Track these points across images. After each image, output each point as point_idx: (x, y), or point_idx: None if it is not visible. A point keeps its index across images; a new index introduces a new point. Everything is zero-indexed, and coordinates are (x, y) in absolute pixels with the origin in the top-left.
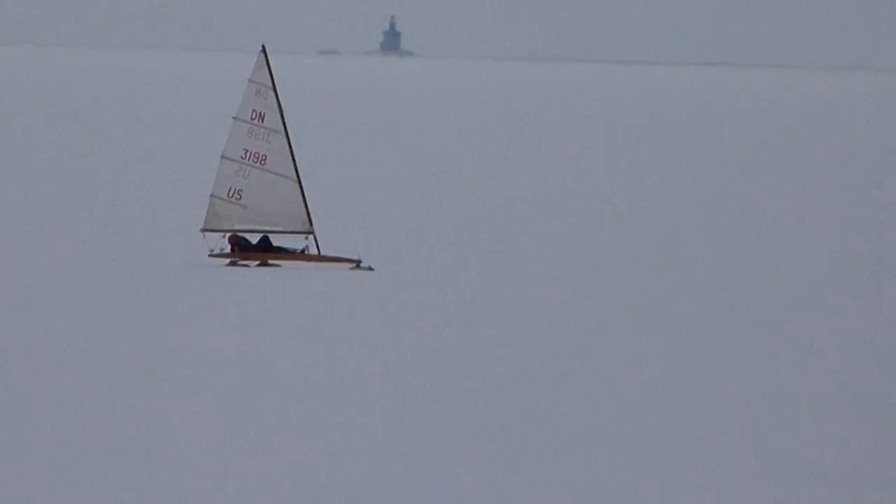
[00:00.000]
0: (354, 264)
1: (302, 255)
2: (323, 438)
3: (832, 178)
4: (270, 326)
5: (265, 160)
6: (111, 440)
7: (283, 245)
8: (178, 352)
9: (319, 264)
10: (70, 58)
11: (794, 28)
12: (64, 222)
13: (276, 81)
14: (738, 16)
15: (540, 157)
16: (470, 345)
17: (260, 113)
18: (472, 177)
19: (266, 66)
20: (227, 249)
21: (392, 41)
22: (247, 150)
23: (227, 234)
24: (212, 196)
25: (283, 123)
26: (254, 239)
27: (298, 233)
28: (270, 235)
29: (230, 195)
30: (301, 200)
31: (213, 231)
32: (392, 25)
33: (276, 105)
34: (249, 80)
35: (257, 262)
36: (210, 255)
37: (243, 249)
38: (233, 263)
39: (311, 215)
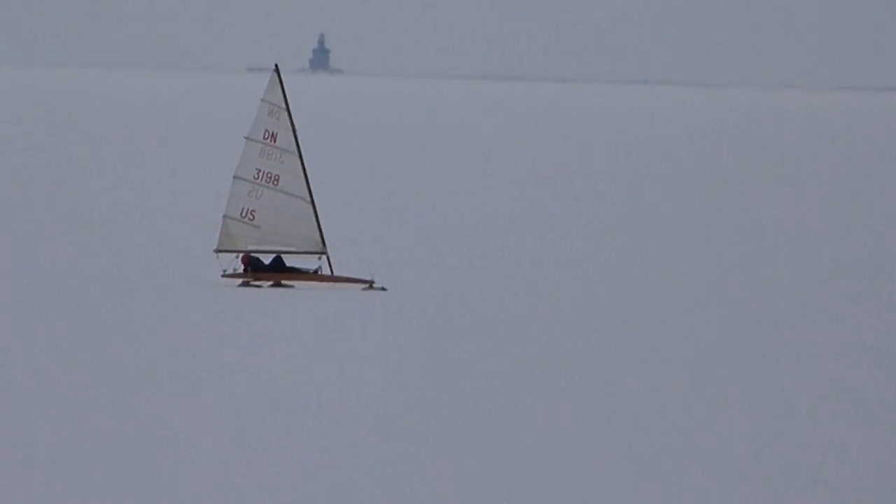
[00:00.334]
0: (367, 285)
1: (315, 275)
2: (333, 458)
3: (814, 191)
4: (282, 346)
5: (278, 180)
6: (120, 458)
7: (296, 265)
8: (190, 370)
9: (332, 285)
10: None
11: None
12: (77, 243)
13: (196, 99)
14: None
15: (520, 173)
16: (482, 365)
17: (272, 133)
18: (461, 193)
19: (279, 86)
20: (240, 269)
21: (321, 59)
22: (259, 170)
23: (240, 255)
24: (225, 216)
25: (297, 143)
26: (266, 259)
27: (312, 253)
28: (283, 256)
29: (243, 215)
30: (314, 221)
31: (226, 252)
32: (321, 43)
33: (289, 125)
34: (262, 100)
35: (270, 283)
36: (223, 276)
37: (256, 269)
38: (245, 284)
39: (324, 235)
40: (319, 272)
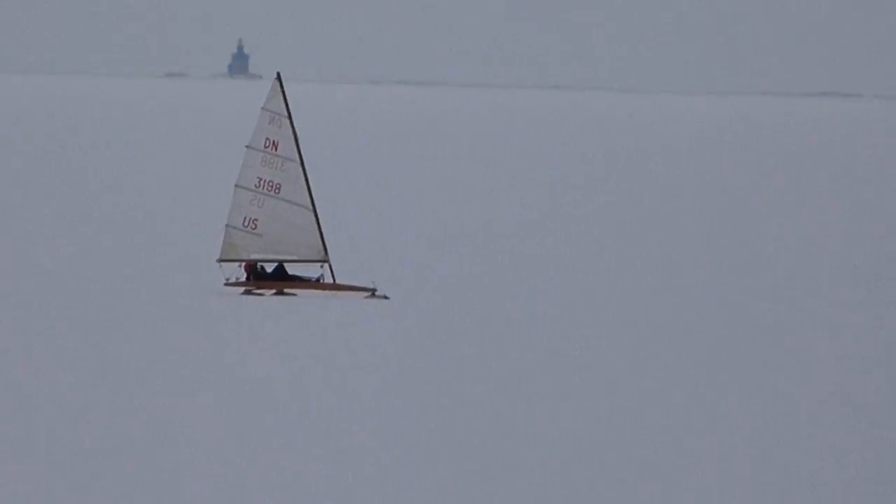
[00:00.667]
0: (370, 293)
1: (317, 283)
2: (335, 465)
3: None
4: (285, 354)
5: (279, 189)
6: (120, 465)
7: (298, 273)
8: (192, 378)
9: (335, 293)
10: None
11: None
12: (80, 252)
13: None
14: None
15: (511, 179)
16: (483, 372)
17: (274, 141)
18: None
19: (281, 94)
20: (243, 277)
21: (240, 64)
22: (261, 179)
23: (243, 263)
24: (227, 226)
25: (299, 151)
26: (269, 268)
27: (314, 261)
28: (286, 264)
29: (245, 224)
30: (316, 229)
31: (229, 261)
32: (240, 48)
33: (290, 133)
34: (263, 109)
35: (273, 291)
36: (226, 284)
37: (259, 278)
38: (248, 292)
39: (327, 243)
40: (322, 280)
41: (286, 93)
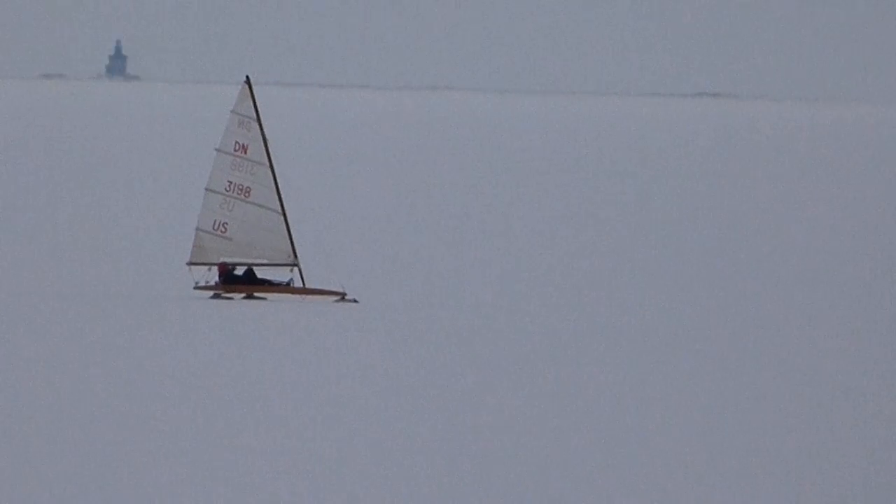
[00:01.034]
0: (339, 297)
1: (287, 287)
2: (306, 467)
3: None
4: (254, 358)
5: (249, 192)
6: (84, 471)
7: (268, 277)
8: (162, 382)
9: (304, 297)
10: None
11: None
12: (49, 255)
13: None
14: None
15: (480, 181)
16: (455, 374)
17: (243, 145)
18: (427, 203)
19: (250, 98)
20: (214, 280)
21: (118, 65)
22: (231, 183)
23: (219, 262)
24: (197, 229)
25: (268, 155)
26: (238, 271)
27: (284, 265)
28: (255, 268)
29: (215, 228)
30: (286, 232)
31: (198, 264)
32: (118, 49)
33: (260, 136)
34: (232, 112)
35: (243, 295)
36: (195, 288)
37: (229, 280)
38: (217, 296)
39: (296, 247)
40: (291, 284)
41: (255, 97)
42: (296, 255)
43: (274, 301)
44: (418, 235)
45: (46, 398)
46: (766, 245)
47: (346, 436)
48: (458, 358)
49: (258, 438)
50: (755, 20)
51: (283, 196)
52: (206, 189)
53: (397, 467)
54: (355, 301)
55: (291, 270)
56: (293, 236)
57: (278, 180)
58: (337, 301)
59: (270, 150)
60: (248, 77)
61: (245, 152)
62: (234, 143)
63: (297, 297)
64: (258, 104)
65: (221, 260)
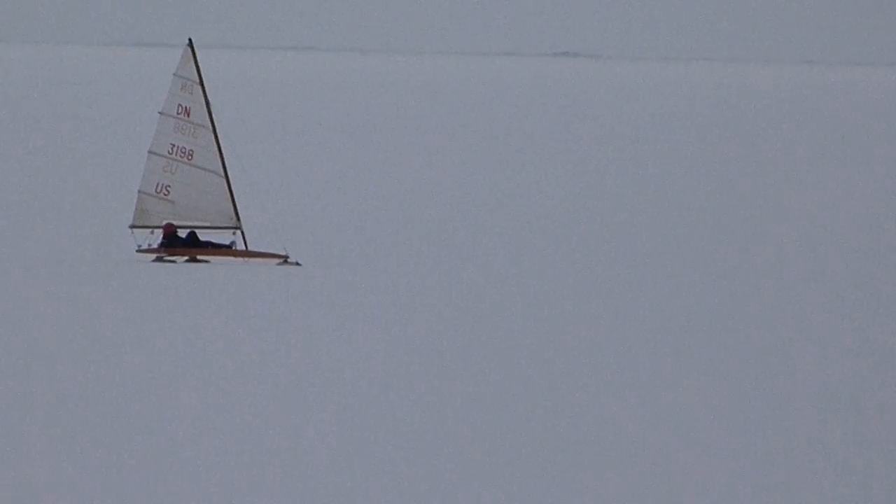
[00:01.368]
0: (282, 259)
1: (230, 250)
2: (245, 432)
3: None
4: (197, 320)
5: (192, 155)
6: (26, 434)
7: (211, 240)
8: (103, 346)
9: (247, 259)
10: None
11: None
12: None
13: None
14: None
15: (431, 146)
16: (395, 335)
17: (186, 108)
18: (372, 166)
19: (193, 61)
20: (157, 243)
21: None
22: (173, 146)
23: (164, 223)
24: (140, 192)
25: (211, 118)
26: (181, 234)
27: (226, 228)
28: (198, 231)
29: (158, 191)
30: (229, 196)
31: (141, 227)
32: None
33: (203, 100)
34: (175, 75)
35: (185, 258)
36: (138, 251)
37: (173, 242)
38: (160, 259)
39: (239, 210)
40: (234, 247)
41: (198, 60)
42: (238, 218)
43: (216, 264)
44: (361, 198)
45: None
46: (619, 207)
47: (289, 393)
48: (401, 318)
49: (201, 403)
50: None
51: (225, 159)
52: (149, 152)
53: (347, 430)
54: (298, 264)
55: (234, 233)
56: (236, 199)
57: (221, 143)
58: (280, 264)
59: (213, 113)
60: (190, 40)
61: (188, 115)
62: (177, 106)
63: (240, 259)
64: (201, 67)
65: (167, 221)
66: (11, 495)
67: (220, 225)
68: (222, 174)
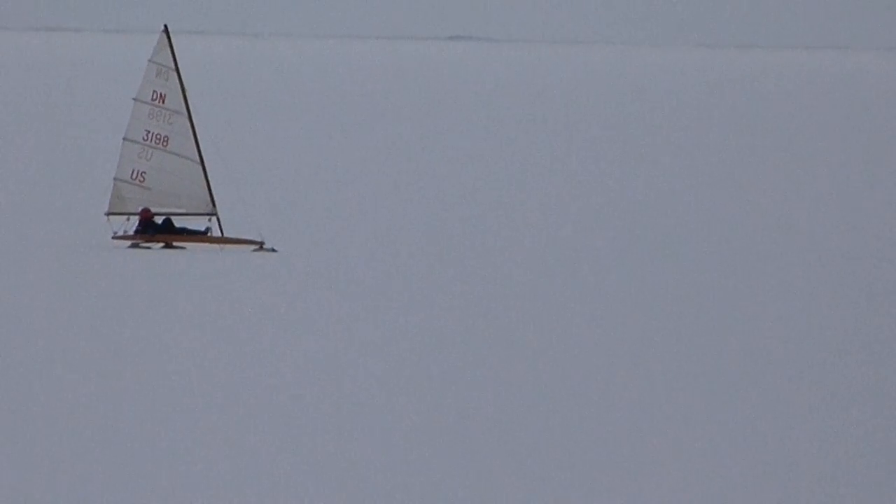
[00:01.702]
0: (258, 246)
1: (206, 236)
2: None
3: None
4: (173, 308)
5: (167, 142)
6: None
7: (187, 227)
8: (82, 334)
9: (223, 246)
10: None
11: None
12: None
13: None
14: None
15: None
16: (372, 326)
17: (161, 94)
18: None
19: (168, 47)
20: (133, 230)
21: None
22: (148, 132)
23: (140, 209)
24: (115, 179)
25: (186, 104)
26: (157, 220)
27: (202, 214)
28: (174, 217)
29: (133, 177)
30: (204, 182)
31: (117, 214)
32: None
33: (178, 86)
34: (150, 61)
35: (161, 245)
36: (114, 238)
37: (150, 227)
38: (136, 245)
39: (214, 196)
40: (209, 233)
41: (174, 45)
42: (214, 205)
43: (192, 250)
44: (338, 185)
45: None
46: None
47: (266, 380)
48: (376, 307)
49: (178, 391)
50: None
51: (201, 145)
52: (124, 139)
53: (318, 416)
54: (274, 250)
55: (210, 220)
56: (211, 186)
57: (196, 130)
58: (255, 250)
59: (189, 99)
60: (165, 26)
61: (163, 102)
62: (152, 92)
63: (216, 246)
64: (176, 53)
65: (144, 207)
66: None
67: (195, 211)
68: (198, 160)
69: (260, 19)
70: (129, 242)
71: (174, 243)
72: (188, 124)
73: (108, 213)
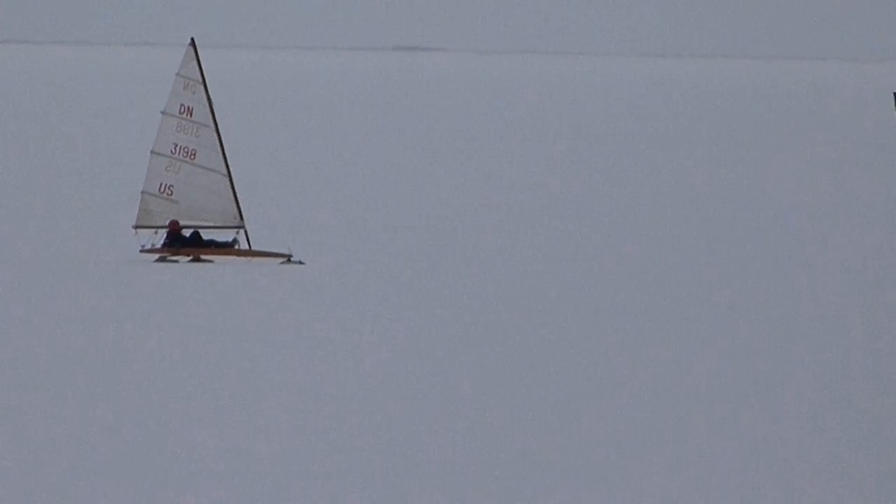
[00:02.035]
0: (285, 259)
1: (233, 249)
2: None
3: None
4: (201, 320)
5: (195, 155)
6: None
7: (215, 240)
8: (108, 346)
9: (250, 259)
10: None
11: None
12: None
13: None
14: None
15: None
16: (399, 339)
17: (188, 107)
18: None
19: (195, 60)
20: (161, 243)
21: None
22: (176, 145)
23: (169, 221)
24: (143, 192)
25: (213, 117)
26: (185, 233)
27: (229, 227)
28: (201, 230)
29: (161, 191)
30: (232, 195)
31: (144, 227)
32: None
33: (205, 99)
34: (177, 75)
35: (189, 258)
36: (141, 251)
37: (178, 240)
38: (163, 259)
39: (242, 209)
40: (237, 246)
41: (201, 59)
42: (242, 217)
43: (220, 263)
44: (365, 197)
45: None
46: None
47: (292, 392)
48: (403, 317)
49: (204, 403)
50: None
51: (228, 158)
52: (152, 152)
53: (341, 422)
54: (301, 263)
55: (237, 233)
56: (239, 198)
57: (224, 142)
58: (283, 263)
59: (216, 112)
60: (192, 39)
61: (190, 115)
62: (179, 105)
63: (243, 259)
64: (203, 67)
65: (172, 219)
66: (13, 496)
67: (223, 224)
68: (225, 173)
69: (285, 33)
70: (156, 256)
71: (202, 256)
72: (215, 137)
73: (136, 227)
